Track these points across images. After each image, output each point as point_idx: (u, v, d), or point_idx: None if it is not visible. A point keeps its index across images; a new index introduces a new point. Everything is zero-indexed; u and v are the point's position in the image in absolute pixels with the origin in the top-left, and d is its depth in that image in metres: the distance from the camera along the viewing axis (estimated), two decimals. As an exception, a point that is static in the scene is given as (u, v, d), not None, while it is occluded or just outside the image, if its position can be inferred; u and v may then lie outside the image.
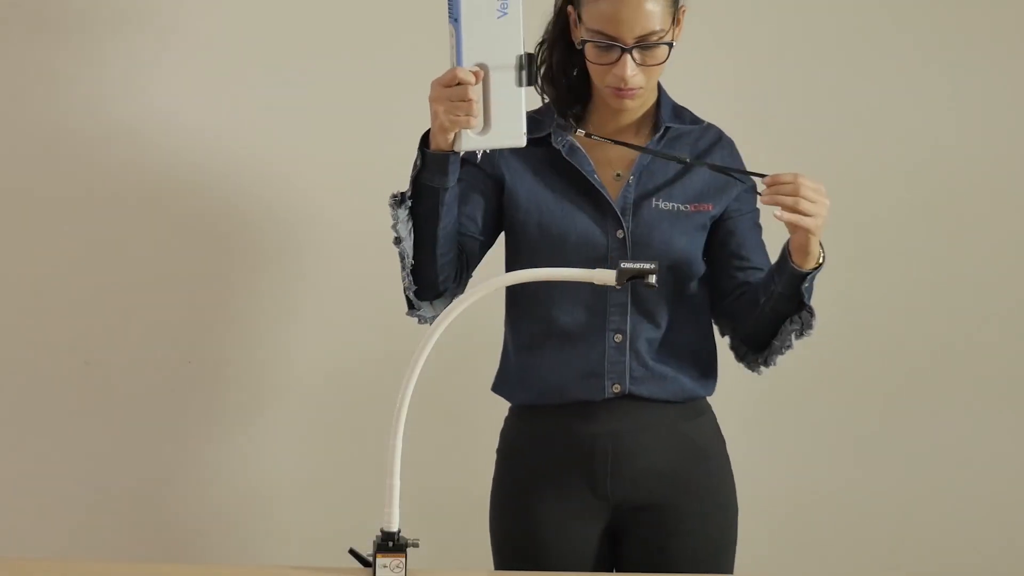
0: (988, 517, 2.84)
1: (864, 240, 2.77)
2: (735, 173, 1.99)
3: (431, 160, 1.94)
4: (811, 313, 1.97)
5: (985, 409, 2.83)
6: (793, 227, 1.87)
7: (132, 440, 2.75)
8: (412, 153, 2.69)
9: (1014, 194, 2.79)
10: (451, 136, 1.89)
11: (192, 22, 2.67)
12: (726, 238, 2.07)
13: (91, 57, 2.67)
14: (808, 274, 1.92)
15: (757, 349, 2.06)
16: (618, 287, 1.80)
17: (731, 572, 2.10)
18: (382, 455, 1.80)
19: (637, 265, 1.78)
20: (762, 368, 2.08)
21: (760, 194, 1.89)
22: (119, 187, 2.70)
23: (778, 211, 1.84)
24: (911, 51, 2.76)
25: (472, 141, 1.89)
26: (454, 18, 1.87)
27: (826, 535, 2.84)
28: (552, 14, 2.04)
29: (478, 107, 1.85)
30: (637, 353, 2.03)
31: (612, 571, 2.11)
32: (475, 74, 1.85)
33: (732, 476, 2.13)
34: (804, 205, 1.84)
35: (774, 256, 2.01)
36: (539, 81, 2.06)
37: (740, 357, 2.11)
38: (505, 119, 1.88)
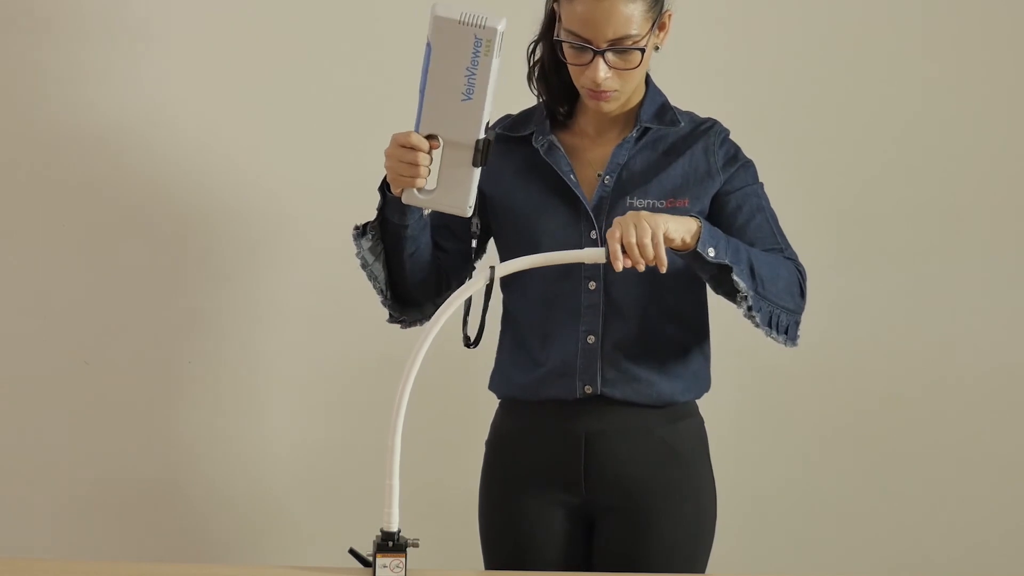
0: (986, 519, 2.84)
1: (859, 238, 2.77)
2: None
3: (390, 201, 1.98)
4: (742, 294, 1.90)
5: (982, 412, 2.83)
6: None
7: (132, 440, 2.76)
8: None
9: (1015, 193, 2.79)
10: (399, 187, 1.92)
11: (180, 25, 2.68)
12: (726, 225, 2.03)
13: (90, 59, 2.68)
14: (695, 252, 1.86)
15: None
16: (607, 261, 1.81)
17: (703, 572, 2.09)
18: (382, 455, 1.80)
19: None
20: (791, 340, 1.99)
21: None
22: (119, 187, 2.70)
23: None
24: (911, 48, 2.76)
25: (415, 198, 1.92)
26: (420, 88, 1.87)
27: (821, 537, 2.83)
28: (544, 13, 2.05)
29: (424, 171, 1.88)
30: (609, 355, 2.02)
31: (585, 556, 2.11)
32: (430, 143, 1.87)
33: (712, 481, 2.11)
34: (633, 252, 1.79)
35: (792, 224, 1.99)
36: (533, 80, 2.07)
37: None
38: (452, 189, 1.89)
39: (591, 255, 1.82)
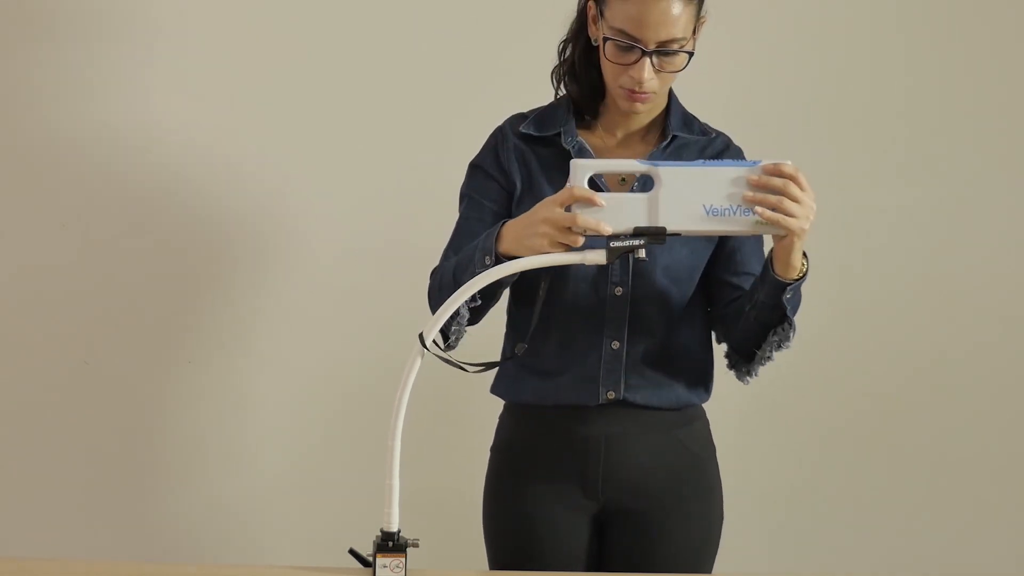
0: (986, 520, 2.85)
1: (858, 241, 2.77)
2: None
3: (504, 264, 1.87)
4: (791, 326, 1.94)
5: (982, 412, 2.83)
6: (775, 230, 1.81)
7: (132, 440, 2.76)
8: (407, 157, 2.71)
9: (1013, 194, 2.79)
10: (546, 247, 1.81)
11: (179, 26, 2.68)
12: (722, 242, 2.06)
13: (91, 62, 2.68)
14: (789, 285, 1.88)
15: (744, 358, 2.05)
16: (608, 263, 1.80)
17: (710, 573, 2.10)
18: (382, 455, 1.80)
19: (626, 243, 1.79)
20: (747, 378, 2.07)
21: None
22: (120, 188, 2.70)
23: (759, 209, 1.77)
24: (911, 51, 2.76)
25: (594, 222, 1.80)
26: (694, 163, 1.81)
27: (822, 537, 2.84)
28: (575, 11, 2.05)
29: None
30: (634, 361, 2.02)
31: (596, 560, 2.10)
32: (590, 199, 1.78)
33: (720, 482, 2.13)
34: (787, 205, 1.77)
35: None
36: (562, 78, 2.06)
37: (730, 365, 2.09)
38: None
39: (592, 257, 1.81)
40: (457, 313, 1.93)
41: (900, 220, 2.78)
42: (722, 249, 2.06)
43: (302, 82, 2.69)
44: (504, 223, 1.88)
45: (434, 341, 1.81)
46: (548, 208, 1.80)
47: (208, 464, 2.78)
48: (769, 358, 2.00)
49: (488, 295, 1.95)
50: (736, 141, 2.11)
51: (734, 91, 2.69)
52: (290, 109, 2.70)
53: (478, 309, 1.97)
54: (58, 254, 2.71)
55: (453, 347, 1.98)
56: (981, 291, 2.80)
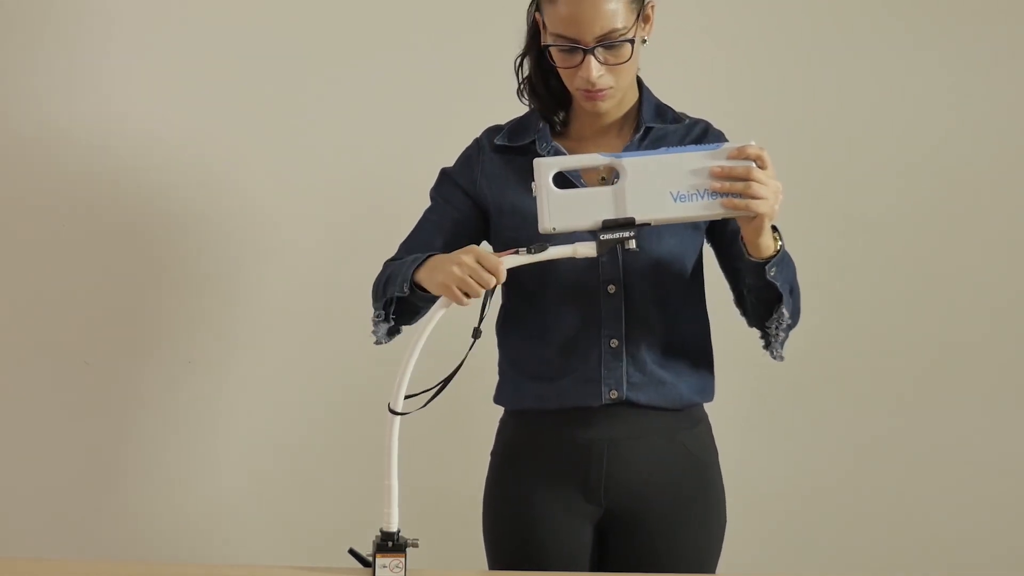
0: (988, 520, 2.84)
1: (860, 241, 2.77)
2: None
3: (421, 298, 1.96)
4: (783, 303, 1.94)
5: (984, 413, 2.83)
6: (745, 213, 1.82)
7: (132, 440, 2.76)
8: (400, 159, 2.71)
9: (1013, 193, 2.79)
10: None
11: (142, 23, 2.69)
12: (722, 229, 2.04)
13: (88, 63, 2.68)
14: (766, 263, 1.88)
15: (765, 338, 2.04)
16: (599, 255, 1.83)
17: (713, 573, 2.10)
18: (381, 455, 1.80)
19: (616, 235, 1.80)
20: (776, 358, 2.04)
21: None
22: (119, 188, 2.70)
23: (725, 200, 1.79)
24: (908, 49, 2.76)
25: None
26: (664, 149, 1.83)
27: (824, 538, 2.84)
28: (527, 26, 2.04)
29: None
30: (634, 358, 2.01)
31: (597, 564, 2.10)
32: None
33: (723, 485, 2.11)
34: (755, 189, 1.79)
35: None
36: (523, 95, 2.07)
37: (763, 346, 2.07)
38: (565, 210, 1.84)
39: (582, 250, 1.81)
40: (376, 324, 2.03)
41: (902, 220, 2.78)
42: (723, 236, 2.04)
43: (295, 85, 2.69)
44: (432, 254, 1.93)
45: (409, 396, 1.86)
46: (468, 254, 1.84)
47: (208, 464, 2.78)
48: (777, 335, 1.99)
49: (406, 315, 2.02)
50: (732, 137, 2.10)
51: (731, 88, 2.69)
52: (286, 112, 2.70)
53: (394, 328, 2.05)
54: (58, 254, 2.71)
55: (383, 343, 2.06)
56: (984, 292, 2.80)
